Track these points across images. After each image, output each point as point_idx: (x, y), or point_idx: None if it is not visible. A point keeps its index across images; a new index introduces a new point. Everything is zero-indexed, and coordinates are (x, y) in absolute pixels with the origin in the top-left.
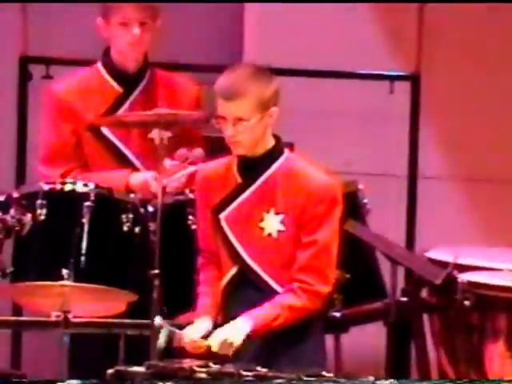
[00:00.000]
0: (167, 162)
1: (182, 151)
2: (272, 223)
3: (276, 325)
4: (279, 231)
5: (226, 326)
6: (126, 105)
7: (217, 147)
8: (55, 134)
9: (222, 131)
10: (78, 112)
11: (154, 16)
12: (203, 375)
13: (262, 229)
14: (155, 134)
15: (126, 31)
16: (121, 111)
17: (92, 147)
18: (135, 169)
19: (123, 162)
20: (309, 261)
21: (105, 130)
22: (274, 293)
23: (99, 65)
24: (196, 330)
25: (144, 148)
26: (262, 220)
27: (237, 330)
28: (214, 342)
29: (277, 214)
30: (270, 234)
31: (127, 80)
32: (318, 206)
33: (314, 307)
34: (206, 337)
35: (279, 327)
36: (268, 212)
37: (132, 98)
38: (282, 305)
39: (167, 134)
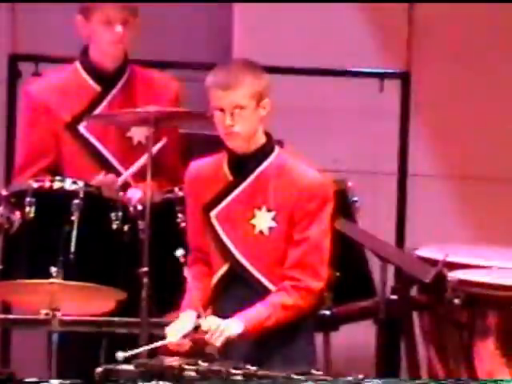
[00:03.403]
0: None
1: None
2: (263, 220)
3: (269, 324)
4: (271, 228)
5: (223, 320)
6: (104, 103)
7: (202, 145)
8: (31, 135)
9: (218, 125)
10: (55, 111)
11: (134, 14)
12: (192, 373)
13: (253, 226)
14: (134, 132)
15: (108, 30)
16: (98, 110)
17: (69, 146)
18: (112, 168)
19: (100, 161)
20: (300, 258)
21: (82, 129)
22: (266, 290)
23: (77, 63)
24: (179, 329)
25: (121, 147)
26: (253, 217)
27: (230, 326)
28: (206, 323)
29: (268, 210)
30: (261, 231)
31: (106, 78)
32: (309, 203)
33: (307, 304)
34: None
35: (272, 327)
36: (260, 209)
37: (110, 96)
38: (273, 304)
39: (146, 133)
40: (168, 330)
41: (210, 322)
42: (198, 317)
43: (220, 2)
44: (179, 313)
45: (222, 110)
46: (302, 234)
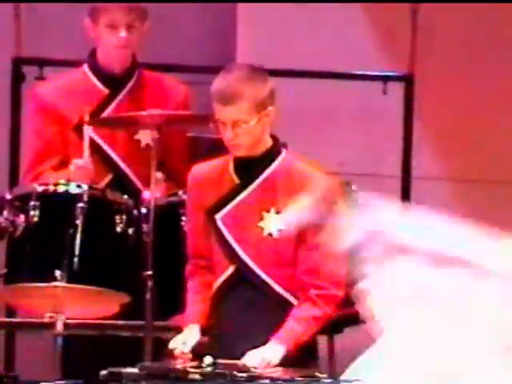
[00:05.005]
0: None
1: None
2: (272, 223)
3: (305, 340)
4: (280, 230)
5: (262, 348)
6: (112, 106)
7: (209, 148)
8: (39, 136)
9: (221, 134)
10: (63, 113)
11: (141, 19)
12: (197, 376)
13: (261, 229)
14: (142, 135)
15: (113, 33)
16: (106, 112)
17: (76, 148)
18: (120, 170)
19: (107, 163)
20: (319, 265)
21: (90, 131)
22: (272, 292)
23: (85, 66)
24: (184, 342)
25: (129, 150)
26: (261, 220)
27: (273, 352)
28: (252, 362)
29: (277, 213)
30: (270, 234)
31: (113, 81)
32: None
33: (333, 312)
34: (194, 347)
35: (308, 341)
36: (268, 211)
37: (118, 99)
38: (306, 319)
39: (155, 136)
40: (173, 344)
41: (255, 356)
42: (202, 331)
43: (224, 2)
44: (183, 327)
45: (223, 122)
46: (315, 238)
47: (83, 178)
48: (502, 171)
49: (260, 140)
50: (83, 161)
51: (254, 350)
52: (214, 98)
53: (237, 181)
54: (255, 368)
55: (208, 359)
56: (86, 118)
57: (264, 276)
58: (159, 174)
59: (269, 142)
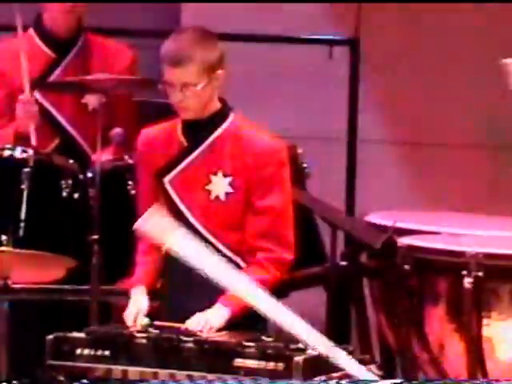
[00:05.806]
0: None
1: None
2: (220, 186)
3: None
4: (227, 193)
5: (206, 312)
6: (59, 70)
7: (156, 112)
8: None
9: (169, 96)
10: (9, 77)
11: None
12: (143, 341)
13: (209, 191)
14: (89, 99)
15: None
16: (53, 76)
17: None
18: (67, 134)
19: (55, 127)
20: (268, 227)
21: (37, 95)
22: (220, 254)
23: (31, 30)
24: (137, 312)
25: (76, 113)
26: (209, 183)
27: (217, 316)
28: (195, 325)
29: (225, 176)
30: (217, 197)
31: (60, 45)
32: (265, 169)
33: (282, 275)
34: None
35: None
36: (215, 174)
37: (65, 63)
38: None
39: (102, 100)
40: (128, 317)
41: (198, 321)
42: (149, 293)
43: None
44: (130, 289)
45: (171, 84)
46: (263, 201)
47: (30, 117)
48: (448, 134)
49: (208, 103)
50: (25, 96)
51: (198, 314)
52: (164, 59)
53: (185, 143)
54: (200, 332)
55: (145, 320)
56: (24, 62)
57: (212, 239)
58: (119, 129)
59: (217, 105)
